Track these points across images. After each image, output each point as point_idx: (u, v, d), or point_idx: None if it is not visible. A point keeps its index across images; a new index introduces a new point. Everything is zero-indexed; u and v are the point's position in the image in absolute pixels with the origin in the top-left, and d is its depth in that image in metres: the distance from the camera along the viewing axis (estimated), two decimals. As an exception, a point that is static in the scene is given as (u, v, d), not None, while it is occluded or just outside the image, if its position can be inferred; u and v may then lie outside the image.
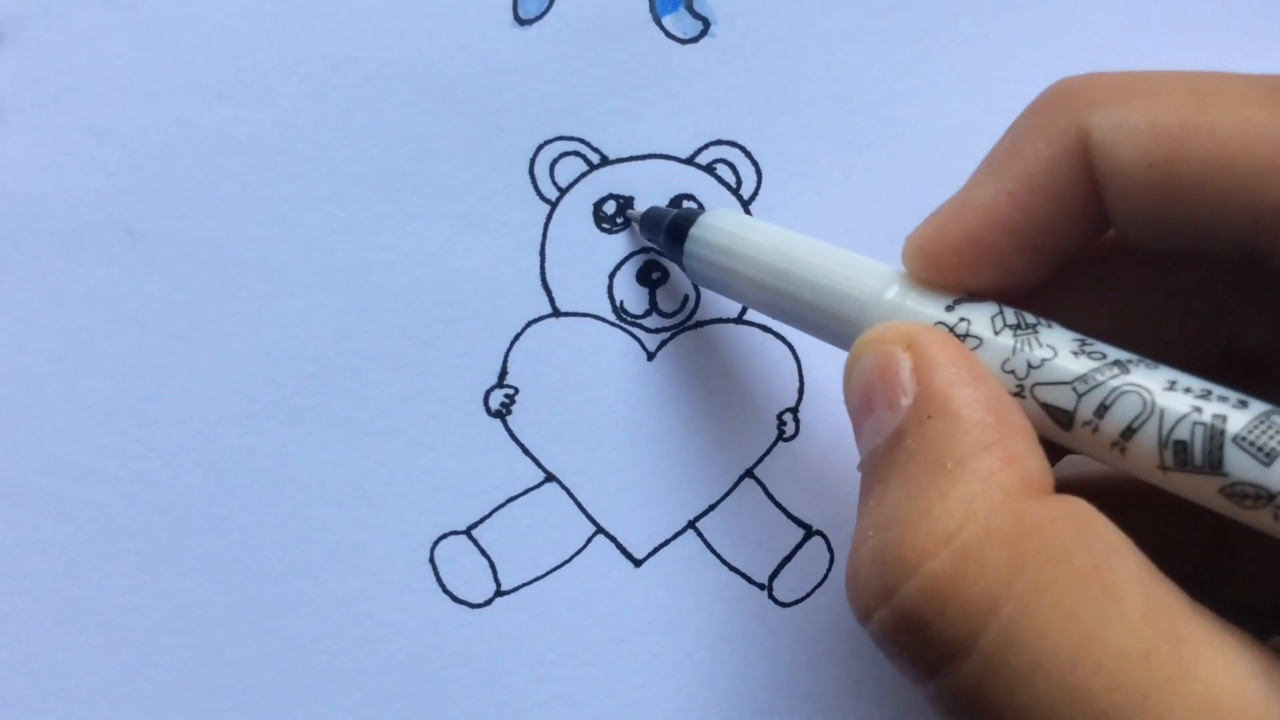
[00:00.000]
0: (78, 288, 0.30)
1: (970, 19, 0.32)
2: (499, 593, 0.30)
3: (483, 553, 0.30)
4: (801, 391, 0.31)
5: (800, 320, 0.25)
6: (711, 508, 0.31)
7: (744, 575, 0.31)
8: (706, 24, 0.31)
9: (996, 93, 0.31)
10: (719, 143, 0.31)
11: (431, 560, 0.30)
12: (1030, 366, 0.20)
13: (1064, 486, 0.20)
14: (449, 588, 0.30)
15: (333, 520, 0.30)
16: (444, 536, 0.30)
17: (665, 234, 0.28)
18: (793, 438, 0.31)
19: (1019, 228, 0.22)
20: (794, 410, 0.31)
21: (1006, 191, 0.21)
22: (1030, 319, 0.21)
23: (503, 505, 0.30)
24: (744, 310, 0.31)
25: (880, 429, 0.21)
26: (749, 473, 0.31)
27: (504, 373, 0.30)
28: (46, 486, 0.30)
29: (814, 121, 0.31)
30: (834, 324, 0.24)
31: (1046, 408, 0.20)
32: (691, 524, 0.31)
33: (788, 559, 0.31)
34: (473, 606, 0.30)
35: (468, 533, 0.30)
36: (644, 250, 0.31)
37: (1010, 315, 0.21)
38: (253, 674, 0.30)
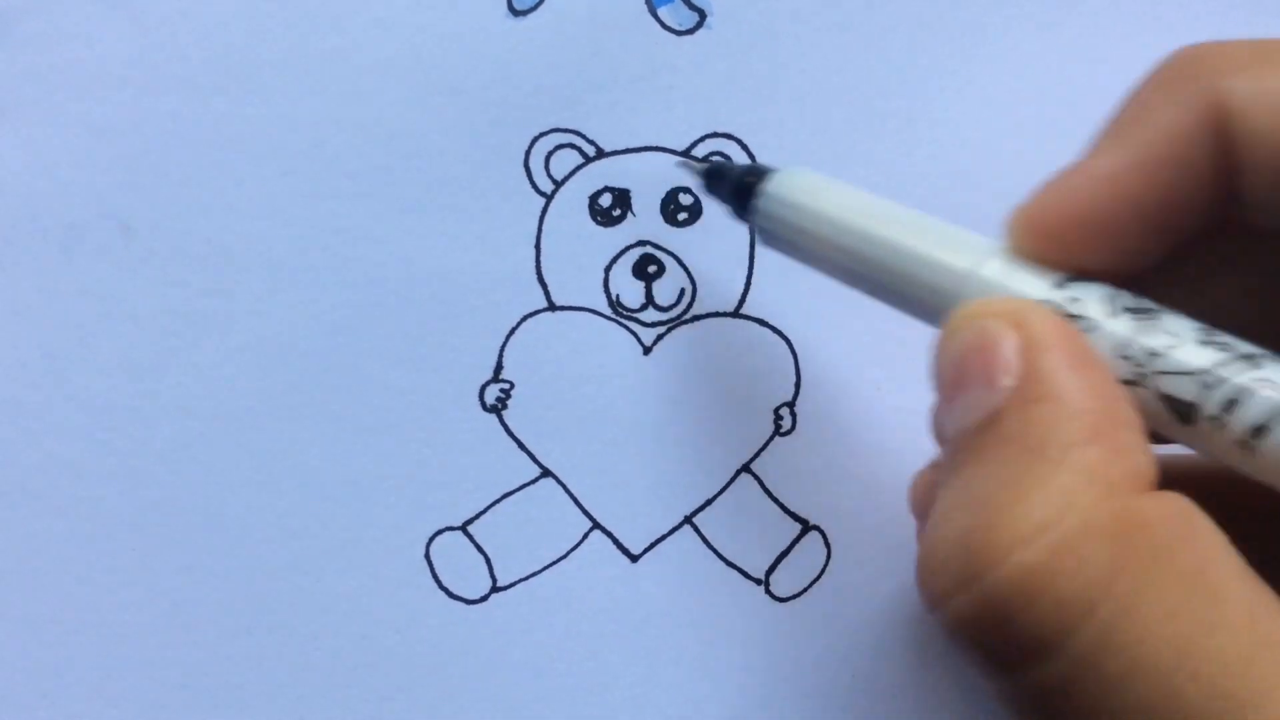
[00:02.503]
0: (72, 284, 0.30)
1: (969, 11, 0.31)
2: (495, 589, 0.30)
3: (478, 549, 0.30)
4: (798, 386, 0.31)
5: (885, 290, 0.23)
6: (708, 503, 0.31)
7: (741, 570, 0.31)
8: (703, 15, 0.31)
9: (995, 86, 0.31)
10: (715, 135, 0.31)
11: (427, 556, 0.30)
12: (1151, 355, 0.19)
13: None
14: (445, 584, 0.30)
15: (328, 516, 0.30)
16: (439, 532, 0.30)
17: (733, 191, 0.26)
18: (789, 432, 0.31)
19: (1143, 201, 0.20)
20: (791, 405, 0.31)
21: (1132, 160, 0.20)
22: (1149, 304, 0.20)
23: (498, 501, 0.30)
24: (741, 304, 0.31)
25: (974, 407, 0.19)
26: (745, 468, 0.31)
27: (499, 367, 0.30)
28: (41, 483, 0.30)
29: (810, 114, 0.31)
30: (926, 295, 0.22)
31: (1167, 399, 0.19)
32: (688, 519, 0.31)
33: (784, 554, 0.31)
34: (468, 603, 0.30)
35: (463, 529, 0.30)
36: (640, 244, 0.31)
37: (1128, 299, 0.20)
38: (248, 670, 0.30)
